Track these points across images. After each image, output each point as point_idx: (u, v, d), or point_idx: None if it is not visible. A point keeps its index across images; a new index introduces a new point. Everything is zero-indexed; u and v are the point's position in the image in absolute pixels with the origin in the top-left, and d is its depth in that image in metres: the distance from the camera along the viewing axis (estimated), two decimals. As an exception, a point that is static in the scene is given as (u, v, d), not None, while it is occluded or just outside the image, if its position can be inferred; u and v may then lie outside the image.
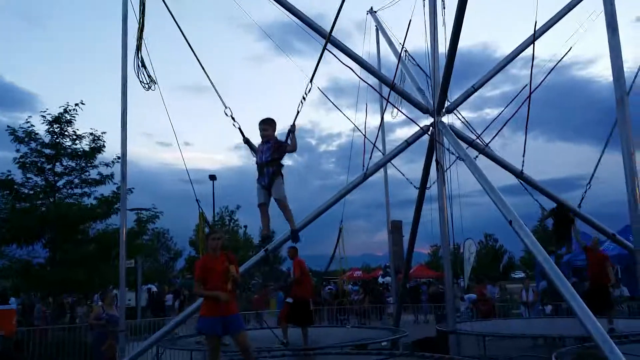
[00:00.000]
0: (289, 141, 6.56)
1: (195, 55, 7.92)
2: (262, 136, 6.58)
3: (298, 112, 6.82)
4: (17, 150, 15.94)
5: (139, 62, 7.84)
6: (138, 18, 8.02)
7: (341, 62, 9.52)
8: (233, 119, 7.21)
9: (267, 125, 6.57)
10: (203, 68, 7.87)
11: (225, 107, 7.28)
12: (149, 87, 7.86)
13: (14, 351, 10.57)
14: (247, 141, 6.98)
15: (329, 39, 7.90)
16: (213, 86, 7.79)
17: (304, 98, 6.82)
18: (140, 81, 7.82)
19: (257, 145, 6.71)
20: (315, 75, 7.14)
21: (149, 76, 7.83)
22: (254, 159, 6.63)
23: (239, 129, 7.08)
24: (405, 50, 12.34)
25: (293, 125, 6.62)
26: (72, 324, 15.63)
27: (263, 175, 6.46)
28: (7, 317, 10.87)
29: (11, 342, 10.55)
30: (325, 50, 9.50)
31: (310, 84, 6.92)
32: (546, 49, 11.67)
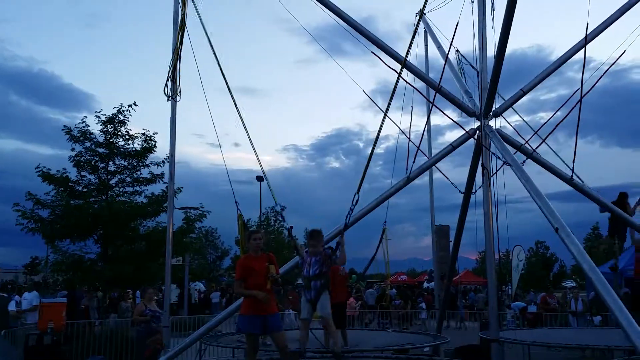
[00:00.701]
0: (337, 253, 6.58)
1: (219, 64, 8.03)
2: (311, 253, 6.58)
3: (347, 225, 6.84)
4: (73, 149, 16.60)
5: (170, 75, 8.11)
6: (176, 37, 8.27)
7: (387, 65, 9.49)
8: (291, 234, 7.33)
9: (315, 241, 6.58)
10: (224, 77, 8.00)
11: (281, 208, 7.42)
12: (173, 98, 8.13)
13: (63, 344, 10.95)
14: (295, 246, 7.01)
15: (404, 65, 7.76)
16: (232, 95, 7.88)
17: (351, 210, 6.88)
18: (165, 93, 8.08)
19: (304, 251, 6.76)
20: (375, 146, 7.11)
21: (175, 89, 8.07)
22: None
23: (289, 229, 7.12)
24: (457, 51, 12.22)
25: (342, 237, 6.65)
26: (120, 318, 16.06)
27: (309, 289, 6.48)
28: (57, 310, 11.25)
29: (61, 335, 10.93)
30: (372, 53, 9.61)
31: (357, 196, 7.02)
32: (604, 52, 11.31)
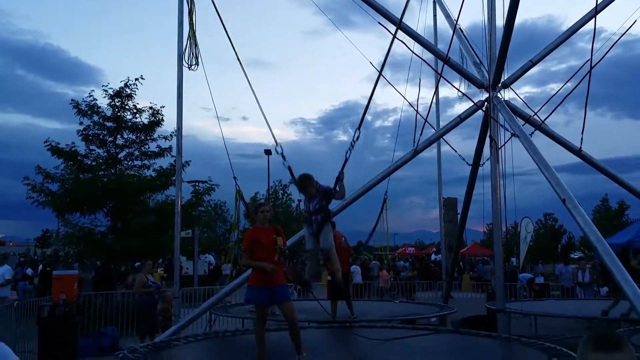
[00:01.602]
0: (337, 188, 6.57)
1: (229, 37, 7.98)
2: (309, 199, 6.60)
3: (346, 159, 6.80)
4: (81, 123, 16.64)
5: (191, 43, 8.08)
6: (183, 8, 8.23)
7: (394, 36, 9.38)
8: (284, 157, 7.22)
9: (307, 190, 6.59)
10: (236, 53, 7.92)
11: (277, 144, 7.32)
12: (191, 67, 8.11)
13: (76, 315, 11.14)
14: (296, 182, 6.99)
15: (399, 27, 7.74)
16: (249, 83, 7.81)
17: (352, 145, 6.82)
18: (186, 61, 8.06)
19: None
20: (384, 66, 7.01)
21: (196, 57, 8.04)
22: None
23: (289, 168, 7.07)
24: (460, 29, 12.06)
25: (341, 173, 6.63)
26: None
27: (311, 223, 6.51)
28: (69, 282, 11.41)
29: (73, 307, 11.10)
30: (379, 24, 9.51)
31: (358, 132, 6.90)
32: (615, 22, 11.13)
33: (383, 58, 8.66)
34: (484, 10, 10.47)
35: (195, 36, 8.26)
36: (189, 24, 8.24)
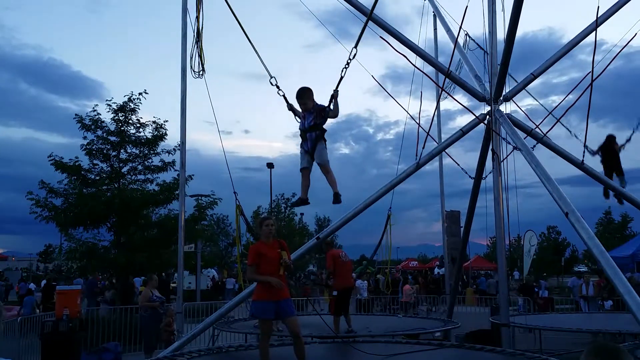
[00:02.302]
0: (331, 106, 6.58)
1: (249, 40, 8.00)
2: (303, 110, 6.64)
3: (342, 77, 6.76)
4: (85, 137, 16.74)
5: (197, 51, 8.12)
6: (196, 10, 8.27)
7: (395, 50, 9.44)
8: (278, 87, 7.14)
9: (305, 99, 6.59)
10: (255, 50, 7.93)
11: (271, 77, 7.29)
12: (198, 75, 8.14)
13: (79, 330, 11.12)
14: (290, 107, 6.96)
15: (370, 17, 7.70)
16: (259, 56, 7.79)
17: (347, 64, 6.79)
18: (192, 68, 8.10)
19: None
20: (358, 44, 6.97)
21: (202, 65, 8.08)
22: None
23: (284, 96, 7.06)
24: (466, 34, 12.14)
25: (336, 91, 6.60)
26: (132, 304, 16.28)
27: (306, 140, 6.54)
28: (72, 297, 11.41)
29: (77, 322, 11.09)
30: (381, 38, 9.56)
31: (355, 49, 6.84)
32: (616, 34, 11.18)
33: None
34: (485, 23, 10.54)
35: (201, 43, 8.29)
36: (196, 32, 8.27)
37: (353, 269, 12.21)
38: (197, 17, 8.40)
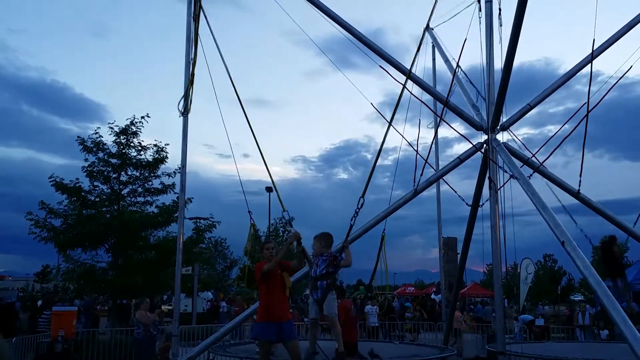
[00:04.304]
0: (343, 256, 6.68)
1: (229, 74, 8.24)
2: (316, 253, 6.70)
3: (351, 225, 6.96)
4: (86, 159, 16.86)
5: (185, 93, 8.38)
6: (189, 51, 8.53)
7: (395, 79, 9.64)
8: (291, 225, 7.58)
9: (323, 242, 6.68)
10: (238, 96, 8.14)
11: (284, 210, 7.69)
12: (184, 114, 8.41)
13: (73, 352, 11.10)
14: (302, 250, 7.08)
15: (409, 77, 7.93)
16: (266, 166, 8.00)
17: (356, 213, 6.98)
18: (178, 107, 8.35)
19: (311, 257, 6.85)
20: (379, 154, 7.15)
21: (186, 107, 8.35)
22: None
23: (302, 250, 7.12)
24: (461, 69, 12.33)
25: (347, 241, 6.75)
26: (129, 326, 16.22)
27: (316, 289, 6.60)
28: (67, 319, 11.41)
29: (71, 343, 11.08)
30: (380, 67, 9.77)
31: (362, 199, 7.08)
32: (612, 66, 11.39)
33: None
34: (483, 53, 10.73)
35: (192, 85, 8.54)
36: (190, 74, 8.52)
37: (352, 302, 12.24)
38: (194, 62, 8.61)
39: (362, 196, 7.09)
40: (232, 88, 8.44)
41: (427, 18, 13.74)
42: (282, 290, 6.24)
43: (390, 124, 9.01)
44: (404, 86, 8.70)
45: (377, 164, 9.06)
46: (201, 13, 8.80)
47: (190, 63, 8.69)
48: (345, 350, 9.47)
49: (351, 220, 6.95)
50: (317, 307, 6.56)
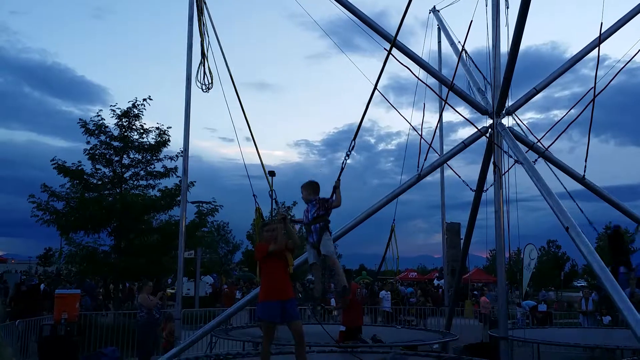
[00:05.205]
0: (334, 197, 6.64)
1: (226, 63, 8.10)
2: (305, 200, 6.68)
3: (342, 168, 6.91)
4: (88, 142, 16.79)
5: (205, 69, 8.24)
6: (191, 33, 8.40)
7: (399, 62, 9.50)
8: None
9: (309, 189, 6.67)
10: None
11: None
12: (205, 89, 8.24)
13: (77, 335, 11.12)
14: (291, 220, 7.07)
15: (393, 44, 7.84)
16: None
17: (347, 155, 6.92)
18: (201, 84, 8.20)
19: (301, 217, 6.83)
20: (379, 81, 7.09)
21: (211, 78, 8.18)
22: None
23: (284, 217, 7.18)
24: (466, 52, 12.19)
25: (338, 181, 6.70)
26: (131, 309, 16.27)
27: (311, 233, 6.56)
28: (70, 302, 11.41)
29: (74, 326, 11.09)
30: (384, 49, 9.63)
31: (353, 142, 7.03)
32: (619, 49, 11.22)
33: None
34: (489, 37, 10.59)
35: (207, 62, 8.39)
36: (201, 53, 8.38)
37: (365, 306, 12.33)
38: (202, 41, 8.48)
39: (354, 139, 7.03)
40: (228, 72, 8.30)
41: (434, 1, 13.58)
42: (284, 270, 6.20)
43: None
44: (389, 52, 8.44)
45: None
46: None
47: (193, 43, 8.57)
48: (349, 333, 9.51)
49: (342, 162, 6.92)
50: (315, 250, 6.54)
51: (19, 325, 11.80)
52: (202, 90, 8.29)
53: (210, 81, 8.27)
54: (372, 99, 7.67)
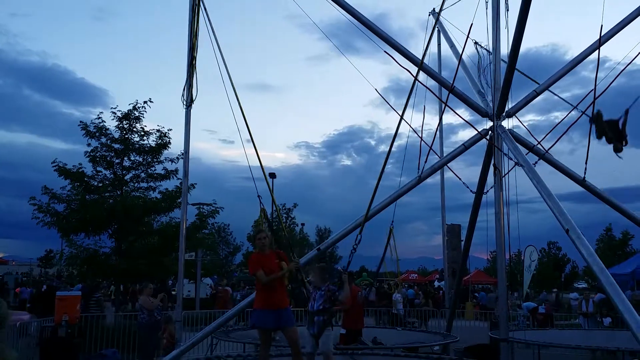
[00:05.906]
0: (341, 292, 6.71)
1: (225, 64, 8.14)
2: (315, 286, 6.78)
3: (349, 261, 6.99)
4: (89, 144, 16.80)
5: (187, 83, 8.28)
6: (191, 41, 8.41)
7: (399, 64, 9.54)
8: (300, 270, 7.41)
9: (320, 276, 6.77)
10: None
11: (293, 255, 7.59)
12: (188, 105, 8.31)
13: (77, 337, 11.11)
14: (302, 282, 7.10)
15: (421, 67, 7.79)
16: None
17: (354, 249, 6.99)
18: (182, 98, 8.25)
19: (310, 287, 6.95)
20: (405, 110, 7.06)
21: (191, 98, 8.24)
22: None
23: (302, 279, 7.11)
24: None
25: (345, 274, 6.76)
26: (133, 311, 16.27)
27: (312, 324, 6.60)
28: (71, 303, 11.42)
29: (75, 328, 11.09)
30: (384, 52, 9.66)
31: (359, 236, 7.09)
32: (619, 52, 11.23)
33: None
34: (489, 39, 10.61)
35: (195, 74, 8.43)
36: (190, 63, 8.42)
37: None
38: (192, 51, 8.50)
39: (360, 232, 7.13)
40: (228, 76, 8.32)
41: (433, 2, 13.61)
42: (280, 279, 6.23)
43: (402, 118, 8.89)
44: (416, 78, 8.55)
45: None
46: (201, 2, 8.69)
47: (192, 51, 8.58)
48: (350, 336, 9.52)
49: (349, 256, 7.02)
50: (314, 341, 6.56)
51: (19, 327, 11.81)
52: (184, 105, 8.36)
53: (191, 100, 8.34)
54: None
